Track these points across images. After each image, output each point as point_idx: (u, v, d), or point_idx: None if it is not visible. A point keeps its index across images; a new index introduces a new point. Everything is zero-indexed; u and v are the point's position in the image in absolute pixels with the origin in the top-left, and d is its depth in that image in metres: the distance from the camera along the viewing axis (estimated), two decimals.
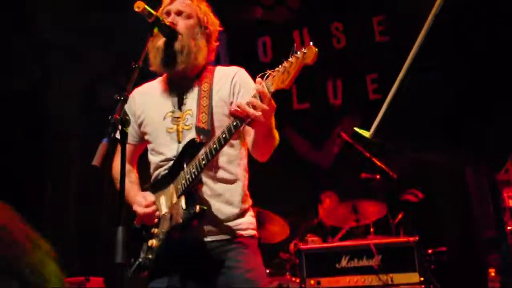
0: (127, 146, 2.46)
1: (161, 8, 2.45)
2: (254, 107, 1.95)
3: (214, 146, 2.09)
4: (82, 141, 6.15)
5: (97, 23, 5.75)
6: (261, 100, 1.96)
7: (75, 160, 6.30)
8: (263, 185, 6.16)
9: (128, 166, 2.49)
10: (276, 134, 2.24)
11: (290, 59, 1.91)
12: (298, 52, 1.89)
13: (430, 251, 4.64)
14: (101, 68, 5.95)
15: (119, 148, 2.47)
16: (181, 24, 2.36)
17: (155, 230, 2.27)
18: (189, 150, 2.22)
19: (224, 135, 2.07)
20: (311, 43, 1.90)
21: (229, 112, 2.07)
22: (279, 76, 1.92)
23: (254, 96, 1.98)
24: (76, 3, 5.76)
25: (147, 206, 2.24)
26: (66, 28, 5.63)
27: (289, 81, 1.90)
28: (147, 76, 2.53)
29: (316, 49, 1.88)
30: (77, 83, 6.31)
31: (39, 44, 5.69)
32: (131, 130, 2.47)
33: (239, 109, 1.99)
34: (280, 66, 1.94)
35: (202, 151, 2.14)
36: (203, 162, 2.12)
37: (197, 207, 2.13)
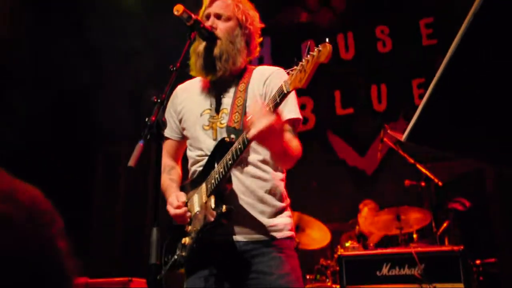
0: (172, 142, 2.54)
1: (201, 10, 2.46)
2: (251, 123, 1.94)
3: (239, 146, 2.08)
4: (131, 142, 6.27)
5: (145, 27, 5.88)
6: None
7: (123, 162, 6.44)
8: (305, 190, 6.11)
9: (171, 163, 2.54)
10: (292, 149, 2.20)
11: (307, 57, 1.87)
12: (314, 50, 1.86)
13: (478, 261, 4.46)
14: (150, 71, 6.06)
15: (164, 146, 2.50)
16: (221, 28, 2.36)
17: (188, 228, 2.28)
18: (220, 149, 2.23)
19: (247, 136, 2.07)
20: (326, 39, 1.85)
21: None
22: (297, 75, 1.89)
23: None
24: (126, 7, 5.91)
25: (177, 207, 2.25)
26: (116, 31, 5.77)
27: (306, 80, 1.86)
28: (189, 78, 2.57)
29: (331, 47, 1.83)
30: (127, 86, 6.46)
31: (90, 47, 5.85)
32: (174, 126, 2.52)
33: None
34: (297, 65, 1.90)
35: (229, 151, 2.13)
36: (230, 162, 2.11)
37: (224, 207, 2.12)
